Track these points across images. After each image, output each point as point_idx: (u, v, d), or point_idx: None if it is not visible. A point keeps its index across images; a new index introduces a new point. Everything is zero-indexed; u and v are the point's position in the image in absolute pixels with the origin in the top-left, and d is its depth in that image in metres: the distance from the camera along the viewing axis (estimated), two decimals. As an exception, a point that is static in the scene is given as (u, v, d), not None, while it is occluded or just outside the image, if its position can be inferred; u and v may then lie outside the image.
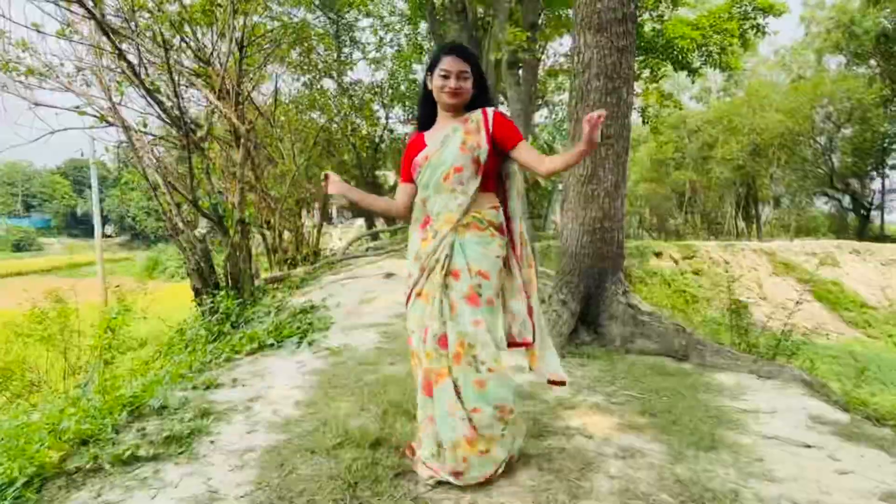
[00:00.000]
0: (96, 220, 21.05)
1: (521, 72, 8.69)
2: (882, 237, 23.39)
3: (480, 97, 2.23)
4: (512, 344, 2.27)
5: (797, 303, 6.87)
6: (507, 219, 2.26)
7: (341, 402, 3.01)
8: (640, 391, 3.25)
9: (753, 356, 3.98)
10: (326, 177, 2.26)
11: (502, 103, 11.34)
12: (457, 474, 2.08)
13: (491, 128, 2.16)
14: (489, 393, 2.04)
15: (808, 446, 2.55)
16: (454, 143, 2.16)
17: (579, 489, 2.13)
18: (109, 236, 52.25)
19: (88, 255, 32.05)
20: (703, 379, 3.55)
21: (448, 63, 2.15)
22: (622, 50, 4.18)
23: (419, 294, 2.16)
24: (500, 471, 2.14)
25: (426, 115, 2.29)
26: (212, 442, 2.54)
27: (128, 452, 2.33)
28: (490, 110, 2.20)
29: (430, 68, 2.20)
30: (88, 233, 46.62)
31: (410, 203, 2.32)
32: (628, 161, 4.55)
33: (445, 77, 2.15)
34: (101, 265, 19.32)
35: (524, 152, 2.15)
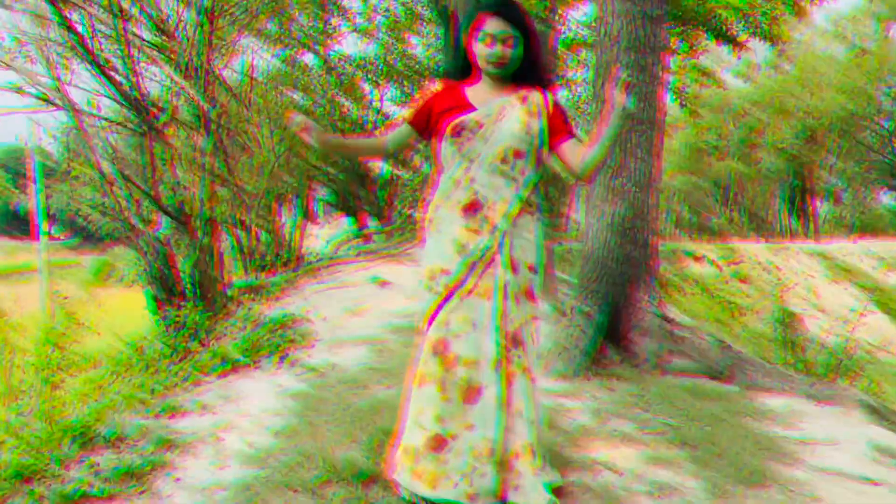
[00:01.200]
0: (38, 218, 21.12)
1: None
2: (959, 237, 23.29)
3: (532, 69, 2.23)
4: None
5: (859, 314, 6.89)
6: None
7: (326, 430, 3.02)
8: (677, 418, 3.25)
9: (809, 377, 3.98)
10: (288, 118, 2.19)
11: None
12: (473, 497, 2.11)
13: (550, 113, 2.21)
14: (536, 403, 2.24)
15: (874, 482, 2.55)
16: (514, 119, 2.17)
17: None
18: (56, 238, 52.44)
19: (28, 257, 32.13)
20: (750, 403, 3.56)
21: (491, 25, 2.11)
22: (655, 19, 4.19)
23: (469, 292, 2.16)
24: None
25: (462, 72, 2.28)
26: (176, 479, 2.55)
27: (77, 491, 2.33)
28: (549, 95, 2.24)
29: (467, 26, 2.18)
30: (31, 233, 46.80)
31: (401, 148, 2.42)
32: (662, 149, 4.55)
33: (489, 43, 2.13)
34: (45, 270, 19.35)
35: (569, 148, 2.20)
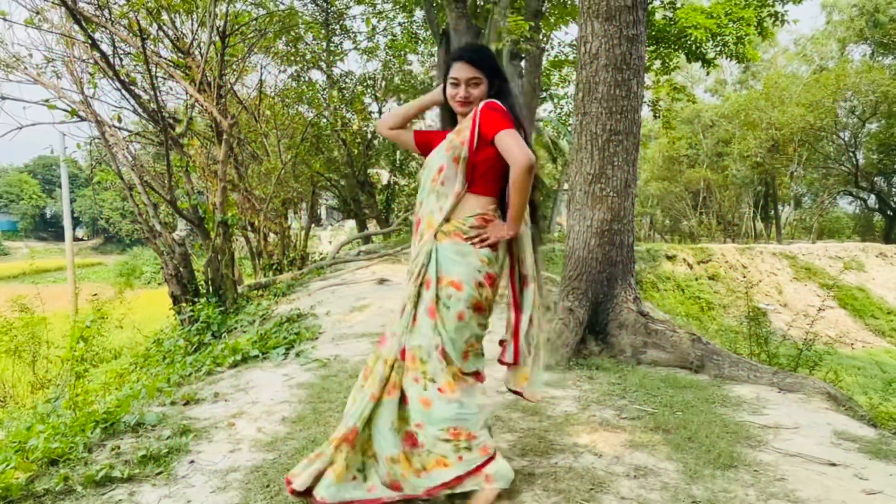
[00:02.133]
0: (67, 223, 21.00)
1: (523, 63, 8.73)
2: (910, 239, 23.44)
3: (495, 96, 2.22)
4: (500, 361, 2.34)
5: (819, 310, 6.91)
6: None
7: (331, 417, 3.01)
8: (653, 406, 3.25)
9: (774, 368, 3.99)
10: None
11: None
12: (395, 486, 2.08)
13: (478, 120, 2.11)
14: (434, 413, 2.04)
15: (834, 464, 2.55)
16: (443, 144, 2.19)
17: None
18: (81, 239, 52.16)
19: (58, 259, 31.99)
20: (720, 392, 3.56)
21: (457, 70, 2.17)
22: (632, 39, 4.20)
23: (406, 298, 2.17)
24: (450, 490, 2.08)
25: (451, 116, 2.31)
26: (192, 461, 2.53)
27: (101, 473, 2.32)
28: (482, 103, 2.13)
29: (445, 74, 2.23)
30: (59, 236, 46.55)
31: (396, 132, 2.39)
32: (638, 158, 4.56)
33: (455, 85, 2.18)
34: (73, 271, 19.27)
35: (504, 140, 2.02)
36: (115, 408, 3.09)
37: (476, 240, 2.09)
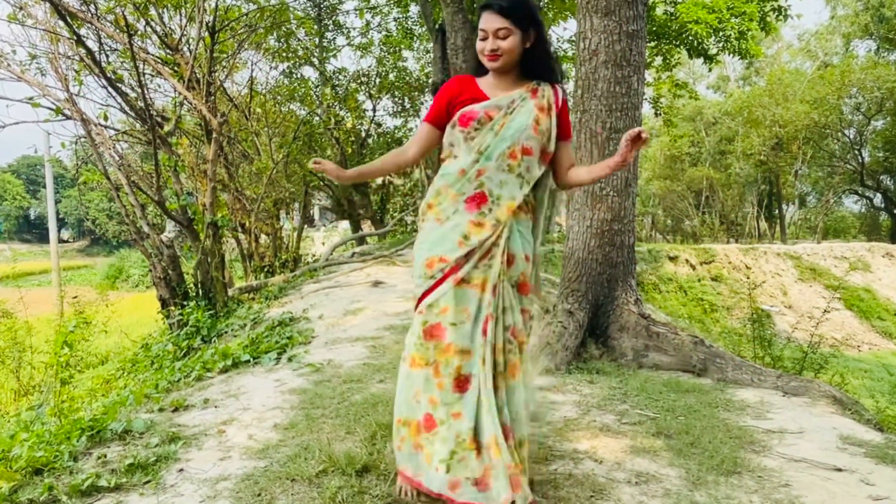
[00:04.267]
0: (52, 224, 20.94)
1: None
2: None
3: (540, 62, 2.13)
4: None
5: (825, 311, 6.94)
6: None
7: (324, 424, 3.00)
8: (655, 410, 3.26)
9: (778, 371, 4.00)
10: (317, 162, 2.15)
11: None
12: (454, 486, 1.97)
13: (560, 111, 2.14)
14: (518, 376, 2.09)
15: (839, 469, 2.56)
16: (526, 116, 2.07)
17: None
18: (66, 241, 51.97)
19: (42, 262, 31.88)
20: (723, 396, 3.57)
21: (484, 20, 2.05)
22: (632, 35, 4.21)
23: (463, 281, 2.05)
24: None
25: (478, 67, 2.20)
26: (181, 470, 2.52)
27: (87, 482, 2.31)
28: (561, 91, 2.16)
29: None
30: (43, 237, 46.39)
31: (429, 150, 2.21)
32: (639, 157, 4.58)
33: (483, 38, 2.07)
34: (58, 273, 19.20)
35: (566, 152, 2.19)
36: (102, 415, 3.08)
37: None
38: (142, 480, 2.41)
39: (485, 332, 2.03)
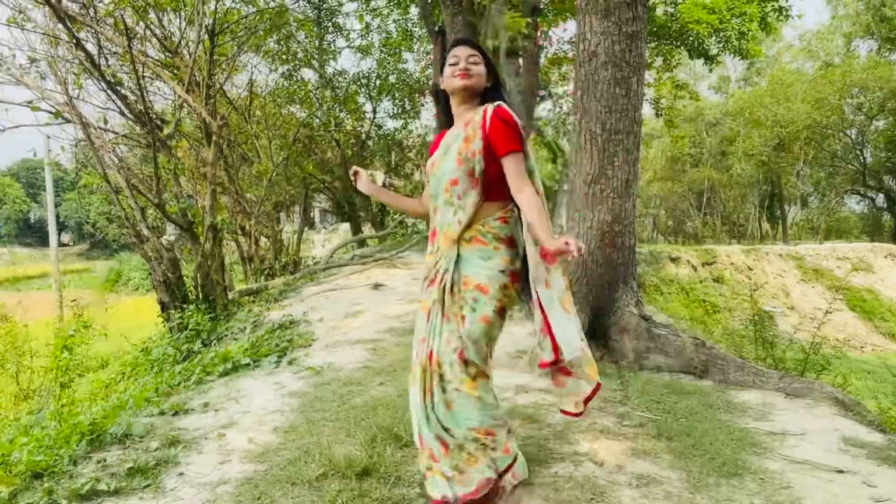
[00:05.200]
0: (52, 228, 20.97)
1: (521, 61, 8.77)
2: (920, 239, 23.53)
3: (493, 91, 2.28)
4: (540, 365, 2.24)
5: (826, 312, 6.93)
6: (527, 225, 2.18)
7: (325, 427, 3.01)
8: (656, 412, 3.26)
9: (780, 372, 4.00)
10: (355, 173, 2.41)
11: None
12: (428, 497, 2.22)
13: (487, 130, 2.15)
14: (457, 413, 2.12)
15: (841, 472, 2.56)
16: (453, 152, 2.21)
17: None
18: (67, 245, 52.03)
19: (43, 265, 31.90)
20: (724, 398, 3.57)
21: (457, 51, 2.24)
22: (632, 36, 4.22)
23: (423, 306, 2.25)
24: (480, 495, 2.12)
25: (447, 118, 2.37)
26: (181, 474, 2.53)
27: (87, 486, 2.32)
28: (491, 108, 2.18)
29: (442, 68, 2.30)
30: (43, 241, 46.41)
31: (419, 202, 2.50)
32: (640, 158, 4.58)
33: (454, 63, 2.22)
34: (58, 277, 19.22)
35: (507, 169, 2.14)
36: (102, 419, 3.09)
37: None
38: (141, 484, 2.42)
39: (418, 354, 2.22)
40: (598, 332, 4.35)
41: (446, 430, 2.13)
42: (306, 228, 16.79)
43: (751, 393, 3.70)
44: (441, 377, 2.13)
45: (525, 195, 2.09)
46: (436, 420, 2.14)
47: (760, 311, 4.86)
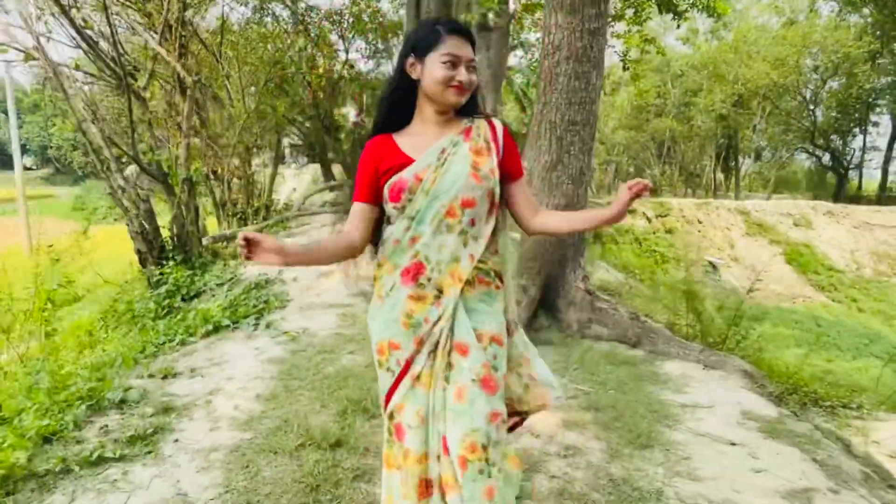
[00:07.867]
0: (15, 150, 20.23)
1: (492, 35, 8.72)
2: (857, 198, 24.61)
3: (474, 96, 1.78)
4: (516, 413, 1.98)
5: (758, 276, 7.50)
6: None
7: (301, 396, 3.34)
8: (590, 384, 3.68)
9: (701, 346, 4.48)
10: (247, 242, 1.49)
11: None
12: None
13: (501, 150, 1.75)
14: (496, 499, 1.66)
15: (733, 444, 3.01)
16: (461, 164, 1.68)
17: (521, 491, 2.53)
18: (30, 168, 50.04)
19: (5, 189, 30.83)
20: (651, 368, 4.04)
21: (456, 46, 1.66)
22: (593, 33, 4.39)
23: (417, 378, 1.70)
24: None
25: (398, 115, 1.78)
26: (176, 440, 2.84)
27: (95, 454, 2.60)
28: (499, 124, 1.78)
29: (420, 50, 1.69)
30: (5, 164, 44.46)
31: (372, 233, 1.78)
32: (594, 147, 4.85)
33: (453, 65, 1.66)
34: (25, 203, 18.75)
35: (522, 193, 1.80)
36: (98, 381, 3.35)
37: None
38: (143, 451, 2.72)
39: (437, 438, 1.71)
40: (548, 304, 4.74)
41: None
42: (279, 168, 16.64)
43: (675, 363, 4.18)
44: (486, 461, 1.63)
45: (544, 211, 1.82)
46: None
47: (692, 287, 5.29)
